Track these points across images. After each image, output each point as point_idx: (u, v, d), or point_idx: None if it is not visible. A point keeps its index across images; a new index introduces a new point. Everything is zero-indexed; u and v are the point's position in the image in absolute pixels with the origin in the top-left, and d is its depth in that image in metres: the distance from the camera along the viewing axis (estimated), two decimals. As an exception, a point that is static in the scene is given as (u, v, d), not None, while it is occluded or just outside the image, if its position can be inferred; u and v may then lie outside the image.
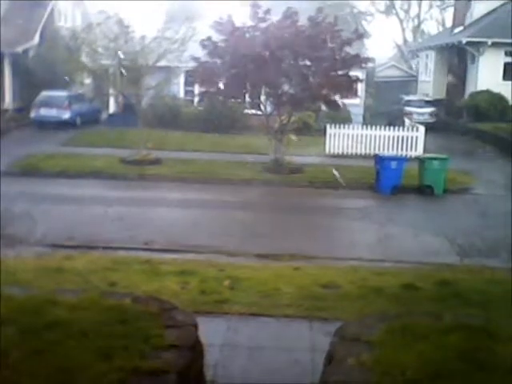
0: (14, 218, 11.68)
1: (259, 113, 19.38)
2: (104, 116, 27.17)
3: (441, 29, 44.76)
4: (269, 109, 18.84)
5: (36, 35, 26.43)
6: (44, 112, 23.65)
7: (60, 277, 7.73)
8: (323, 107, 20.05)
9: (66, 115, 23.99)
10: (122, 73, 19.59)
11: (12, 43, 24.83)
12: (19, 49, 25.34)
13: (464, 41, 27.53)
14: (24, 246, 9.96)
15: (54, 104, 23.80)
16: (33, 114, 23.88)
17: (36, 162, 17.56)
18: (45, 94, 24.05)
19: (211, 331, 5.89)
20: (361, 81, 19.85)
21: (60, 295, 5.02)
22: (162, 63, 19.96)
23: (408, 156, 19.27)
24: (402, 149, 20.44)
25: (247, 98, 19.33)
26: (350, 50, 18.25)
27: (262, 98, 18.69)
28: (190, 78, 21.56)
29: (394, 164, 15.98)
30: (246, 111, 22.85)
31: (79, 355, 3.98)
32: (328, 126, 20.76)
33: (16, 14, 26.05)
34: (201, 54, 18.36)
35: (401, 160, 16.60)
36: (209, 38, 18.03)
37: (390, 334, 4.48)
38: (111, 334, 4.29)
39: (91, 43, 20.04)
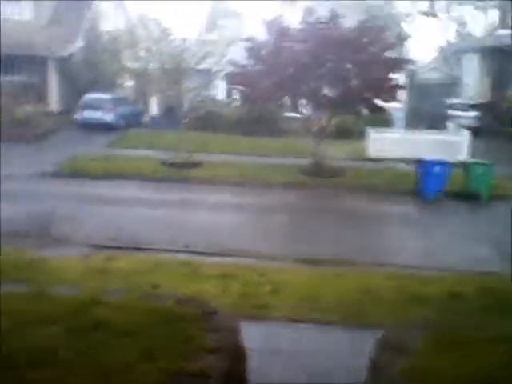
0: (59, 219, 11.97)
1: (299, 116, 19.33)
2: (146, 118, 27.52)
3: (485, 30, 43.83)
4: (309, 112, 18.76)
5: (80, 39, 27.01)
6: (88, 114, 24.08)
7: (104, 277, 7.86)
8: (364, 110, 19.87)
9: (110, 117, 24.35)
10: (164, 75, 19.80)
11: (57, 47, 25.43)
12: (64, 52, 25.93)
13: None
14: (69, 246, 10.18)
15: (98, 106, 24.20)
16: (77, 117, 24.36)
17: (81, 164, 17.88)
18: (89, 96, 24.51)
19: (251, 335, 5.89)
20: (402, 84, 19.59)
21: (104, 296, 5.11)
22: (203, 66, 20.10)
23: (452, 161, 18.87)
24: (445, 153, 20.01)
25: (287, 101, 19.29)
26: (392, 53, 18.08)
27: (303, 100, 18.63)
28: (231, 80, 21.62)
29: (437, 169, 15.70)
30: (286, 114, 22.81)
31: (123, 355, 4.03)
32: (370, 130, 20.54)
33: (60, 19, 26.64)
34: (241, 57, 18.42)
35: (444, 165, 16.20)
36: (250, 39, 18.07)
37: (432, 342, 4.41)
38: (154, 335, 4.34)
39: (133, 45, 20.34)
